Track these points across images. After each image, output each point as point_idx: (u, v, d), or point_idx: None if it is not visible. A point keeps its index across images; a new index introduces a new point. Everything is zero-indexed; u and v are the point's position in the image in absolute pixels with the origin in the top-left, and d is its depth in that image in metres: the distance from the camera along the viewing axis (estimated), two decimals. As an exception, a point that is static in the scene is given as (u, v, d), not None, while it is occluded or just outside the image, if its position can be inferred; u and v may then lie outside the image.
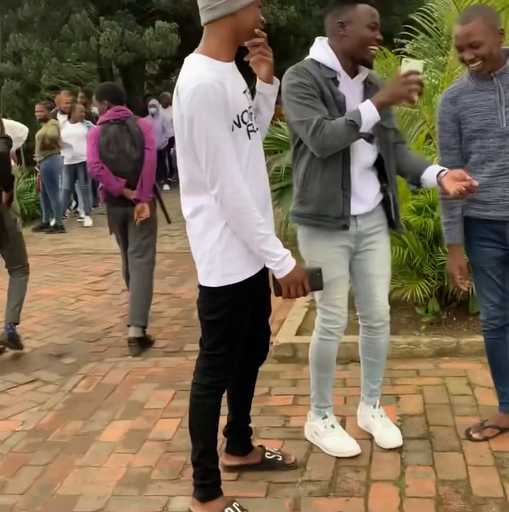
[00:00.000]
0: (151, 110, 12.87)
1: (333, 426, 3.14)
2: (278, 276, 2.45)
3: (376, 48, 2.79)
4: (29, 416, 3.67)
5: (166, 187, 12.86)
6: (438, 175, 2.74)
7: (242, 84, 2.50)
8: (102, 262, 7.41)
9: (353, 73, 2.83)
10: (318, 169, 2.81)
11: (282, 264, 2.42)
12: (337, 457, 3.04)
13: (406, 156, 2.98)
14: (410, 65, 2.67)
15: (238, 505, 2.64)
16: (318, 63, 2.78)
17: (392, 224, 3.01)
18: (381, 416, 3.23)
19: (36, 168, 10.33)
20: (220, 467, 2.74)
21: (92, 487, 2.94)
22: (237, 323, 2.54)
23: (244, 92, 2.48)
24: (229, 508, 2.61)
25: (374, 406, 3.24)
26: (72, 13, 13.29)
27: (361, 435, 3.21)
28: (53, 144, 9.37)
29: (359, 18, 2.73)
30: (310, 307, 4.95)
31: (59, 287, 6.46)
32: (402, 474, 2.89)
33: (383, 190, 2.95)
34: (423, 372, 3.91)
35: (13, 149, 8.84)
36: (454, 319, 4.43)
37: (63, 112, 10.26)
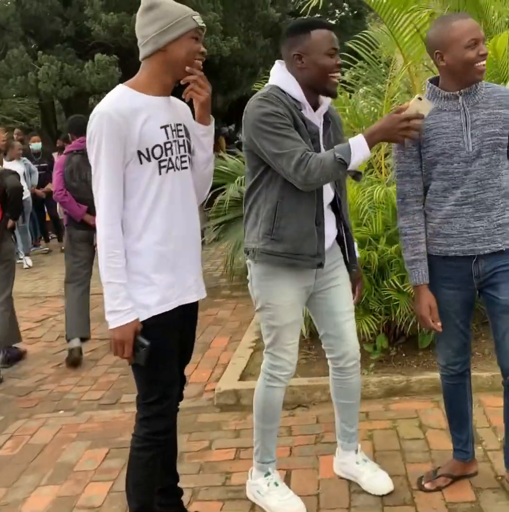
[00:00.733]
0: None
1: (276, 484, 2.89)
2: (108, 326, 2.32)
3: (338, 75, 2.59)
4: None
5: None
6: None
7: (167, 119, 2.35)
8: (39, 306, 7.08)
9: (315, 105, 2.64)
10: (292, 203, 2.60)
11: (110, 316, 2.29)
12: (281, 518, 2.80)
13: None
14: (420, 105, 2.40)
15: None
16: (284, 92, 2.58)
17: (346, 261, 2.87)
18: (365, 461, 3.02)
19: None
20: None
21: None
22: (160, 366, 2.38)
23: (164, 127, 2.33)
24: None
25: (356, 451, 3.03)
26: (9, 48, 13.01)
27: (308, 489, 2.98)
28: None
29: (315, 46, 2.53)
30: (255, 348, 4.72)
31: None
32: (351, 535, 2.67)
33: (338, 225, 2.80)
34: (372, 414, 3.71)
35: None
36: (404, 354, 4.25)
37: None
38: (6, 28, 12.96)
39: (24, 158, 9.98)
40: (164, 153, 2.31)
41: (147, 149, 2.27)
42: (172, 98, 2.42)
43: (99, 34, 12.96)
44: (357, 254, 2.95)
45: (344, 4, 30.09)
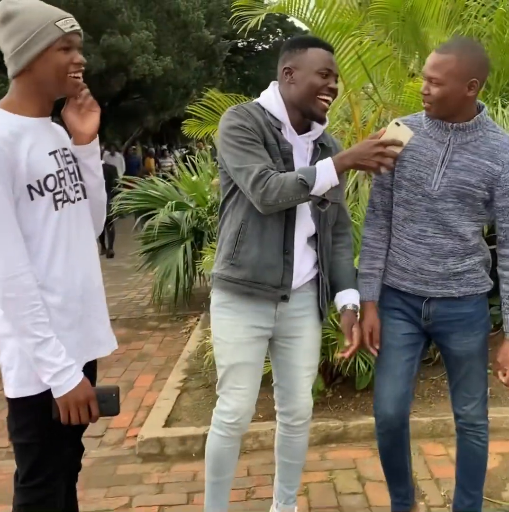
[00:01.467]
0: None
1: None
2: (56, 394, 1.89)
3: (328, 99, 2.34)
4: None
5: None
6: (344, 306, 2.48)
7: (53, 143, 1.98)
8: None
9: (301, 128, 2.39)
10: (256, 226, 2.34)
11: (60, 378, 1.88)
12: None
13: (336, 260, 2.55)
14: (398, 132, 2.18)
15: None
16: (263, 108, 2.38)
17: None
18: None
19: None
20: None
21: None
22: (54, 443, 1.98)
23: (53, 153, 1.96)
24: None
25: None
26: None
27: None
28: None
29: (308, 62, 2.31)
30: (182, 388, 4.40)
31: None
32: None
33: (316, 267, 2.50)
34: (308, 465, 3.41)
35: None
36: (340, 396, 4.02)
37: None
38: None
39: None
40: (58, 184, 1.94)
41: (38, 181, 1.88)
42: (51, 122, 2.04)
43: None
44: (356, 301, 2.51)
45: (278, 29, 30.47)
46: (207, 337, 4.58)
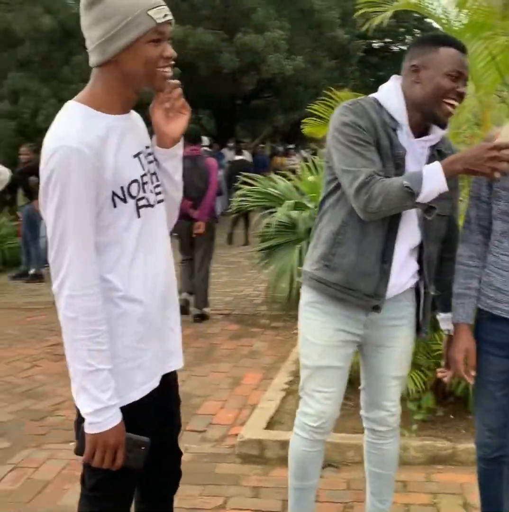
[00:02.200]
0: None
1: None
2: (88, 430, 1.74)
3: (455, 103, 2.19)
4: None
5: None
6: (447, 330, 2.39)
7: (137, 143, 1.85)
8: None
9: (419, 130, 2.25)
10: (356, 230, 2.24)
11: (100, 415, 1.72)
12: None
13: (444, 281, 2.41)
14: None
15: None
16: (381, 105, 2.25)
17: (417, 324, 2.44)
18: None
19: (18, 213, 9.86)
20: None
21: None
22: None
23: (137, 155, 1.83)
24: None
25: None
26: (73, 55, 13.00)
27: None
28: (36, 188, 8.84)
29: (437, 62, 2.17)
30: (288, 391, 4.33)
31: (16, 349, 5.84)
32: None
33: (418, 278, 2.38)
34: (411, 485, 3.28)
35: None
36: (452, 416, 3.81)
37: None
38: (72, 35, 12.96)
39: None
40: (141, 189, 1.82)
41: (122, 188, 1.76)
42: (132, 113, 1.89)
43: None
44: (443, 326, 2.44)
45: (415, 30, 29.75)
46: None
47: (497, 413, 2.32)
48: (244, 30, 13.50)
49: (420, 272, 2.37)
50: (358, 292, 2.28)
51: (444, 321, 2.41)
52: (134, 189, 1.80)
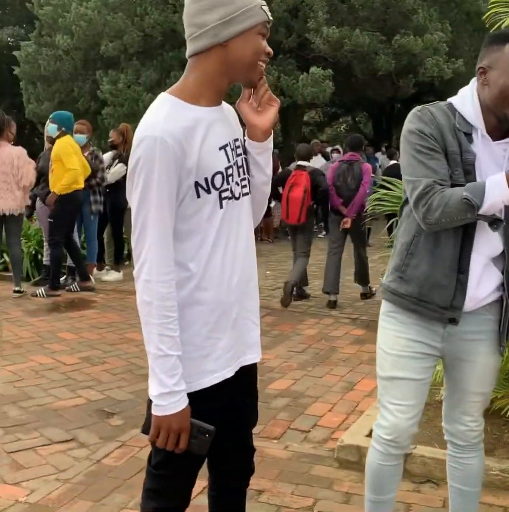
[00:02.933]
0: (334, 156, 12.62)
1: None
2: (153, 411, 1.81)
3: None
4: (40, 485, 3.26)
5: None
6: None
7: (225, 136, 1.88)
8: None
9: (497, 133, 2.17)
10: (429, 240, 2.19)
11: (165, 399, 1.78)
12: None
13: None
14: None
15: None
16: (455, 110, 2.18)
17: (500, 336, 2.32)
18: None
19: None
20: None
21: None
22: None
23: (223, 147, 1.87)
24: None
25: None
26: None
27: None
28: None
29: (502, 62, 2.07)
30: (398, 400, 4.21)
31: (147, 333, 6.13)
32: None
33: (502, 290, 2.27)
34: (511, 512, 3.09)
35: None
36: None
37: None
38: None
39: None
40: (225, 181, 1.85)
41: (206, 179, 1.81)
42: (224, 105, 1.93)
43: (320, 47, 12.88)
44: None
45: None
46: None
47: None
48: (403, 32, 13.26)
49: (502, 283, 2.24)
50: (432, 304, 2.20)
51: None
52: (218, 180, 1.83)
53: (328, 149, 14.57)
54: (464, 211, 2.02)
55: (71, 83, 16.43)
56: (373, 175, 8.78)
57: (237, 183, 1.91)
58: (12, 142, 7.39)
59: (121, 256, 8.95)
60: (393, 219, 6.78)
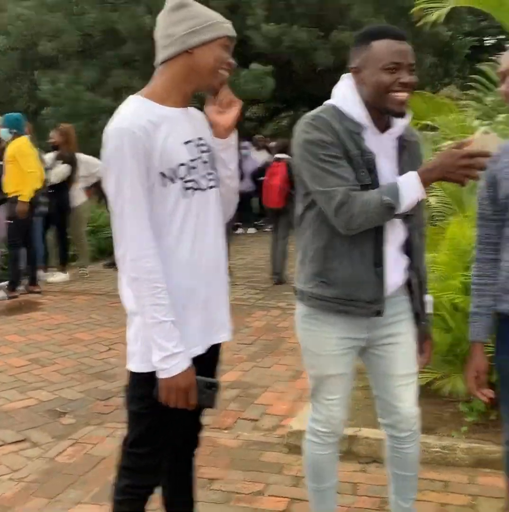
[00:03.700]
0: (243, 152, 12.73)
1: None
2: (160, 375, 2.00)
3: (402, 93, 2.15)
4: (-6, 486, 3.31)
5: (251, 230, 13.22)
6: None
7: (189, 133, 2.09)
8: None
9: (383, 124, 2.25)
10: (345, 241, 2.25)
11: (168, 362, 1.98)
12: None
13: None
14: (485, 141, 2.06)
15: None
16: (342, 113, 2.22)
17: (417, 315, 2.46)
18: None
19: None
20: None
21: None
22: (164, 418, 2.10)
23: (187, 143, 2.07)
24: None
25: None
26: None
27: None
28: None
29: (372, 60, 2.14)
30: (343, 386, 4.36)
31: (96, 332, 6.16)
32: None
33: (409, 271, 2.40)
34: (452, 485, 3.26)
35: (86, 184, 8.73)
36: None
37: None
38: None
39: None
40: (188, 173, 2.05)
41: (170, 169, 2.01)
42: (191, 109, 2.17)
43: (259, 44, 12.98)
44: (430, 309, 2.52)
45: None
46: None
47: None
48: (341, 27, 13.46)
49: (409, 265, 2.39)
50: (360, 302, 2.28)
51: (427, 304, 2.45)
52: (182, 171, 2.04)
53: (272, 144, 14.68)
54: (385, 214, 2.13)
55: (8, 83, 16.16)
56: None
57: (203, 176, 2.11)
58: None
59: (67, 257, 8.93)
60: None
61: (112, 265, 9.62)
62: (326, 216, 2.23)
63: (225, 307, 2.24)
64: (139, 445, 2.12)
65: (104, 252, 10.18)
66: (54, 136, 8.74)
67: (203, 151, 2.13)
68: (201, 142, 2.13)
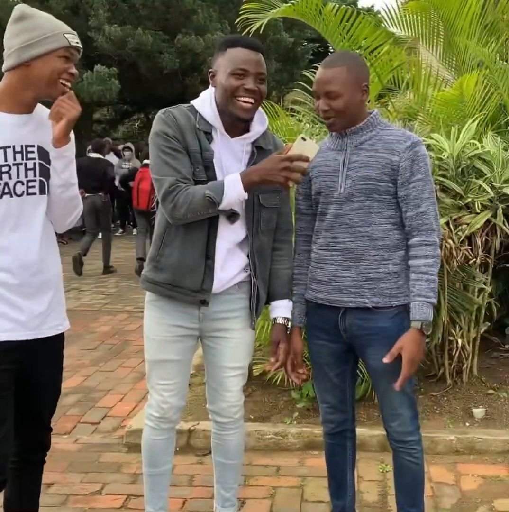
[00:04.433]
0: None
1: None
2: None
3: (246, 99, 2.30)
4: None
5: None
6: (274, 318, 2.55)
7: (13, 140, 2.13)
8: None
9: (237, 130, 2.40)
10: (180, 230, 2.38)
11: None
12: None
13: (273, 269, 2.56)
14: (304, 146, 2.23)
15: None
16: (196, 112, 2.39)
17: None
18: None
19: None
20: None
21: None
22: None
23: (4, 148, 2.11)
24: None
25: None
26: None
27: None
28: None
29: (224, 65, 2.31)
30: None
31: None
32: None
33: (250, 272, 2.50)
34: (284, 469, 3.45)
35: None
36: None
37: None
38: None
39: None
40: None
41: None
42: (42, 116, 2.20)
43: (103, 45, 12.85)
44: (286, 314, 2.54)
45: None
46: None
47: (334, 391, 2.56)
48: (185, 31, 13.61)
49: (248, 264, 2.49)
50: (184, 289, 2.41)
51: (272, 310, 2.56)
52: None
53: (120, 147, 14.59)
54: (207, 207, 2.27)
55: None
56: None
57: (21, 183, 2.14)
58: None
59: None
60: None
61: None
62: None
63: (43, 306, 2.25)
64: None
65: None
66: None
67: (29, 158, 2.16)
68: (30, 149, 2.16)
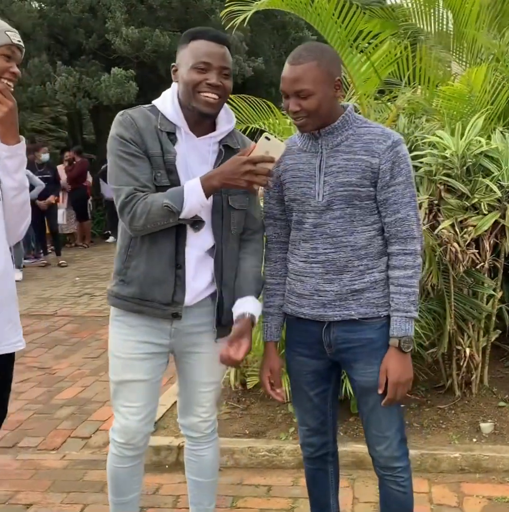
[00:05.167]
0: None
1: None
2: None
3: (209, 94, 2.13)
4: None
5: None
6: (240, 314, 2.25)
7: None
8: None
9: (202, 129, 2.23)
10: (145, 241, 2.21)
11: None
12: None
13: (238, 266, 2.35)
14: (268, 145, 2.05)
15: None
16: (158, 112, 2.23)
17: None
18: None
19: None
20: None
21: None
22: None
23: None
24: None
25: None
26: (31, 57, 12.92)
27: None
28: None
29: (186, 58, 2.15)
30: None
31: None
32: None
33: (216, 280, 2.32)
34: (276, 489, 3.25)
35: None
36: (334, 419, 3.77)
37: None
38: (30, 37, 12.89)
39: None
40: None
41: None
42: None
43: (120, 48, 12.73)
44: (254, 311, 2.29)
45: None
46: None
47: (313, 412, 2.36)
48: (204, 31, 13.47)
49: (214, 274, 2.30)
50: (154, 302, 2.23)
51: (238, 307, 2.29)
52: None
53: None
54: (166, 216, 2.10)
55: None
56: None
57: None
58: None
59: None
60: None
61: None
62: None
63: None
64: None
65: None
66: None
67: None
68: None
